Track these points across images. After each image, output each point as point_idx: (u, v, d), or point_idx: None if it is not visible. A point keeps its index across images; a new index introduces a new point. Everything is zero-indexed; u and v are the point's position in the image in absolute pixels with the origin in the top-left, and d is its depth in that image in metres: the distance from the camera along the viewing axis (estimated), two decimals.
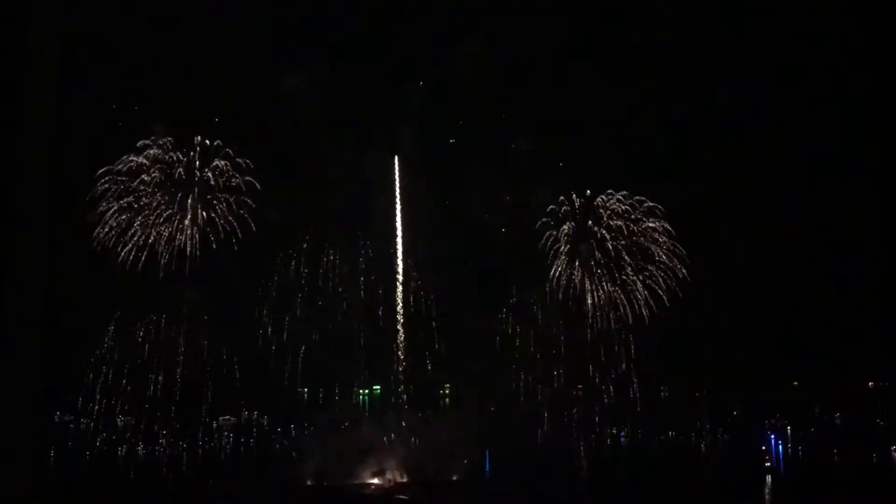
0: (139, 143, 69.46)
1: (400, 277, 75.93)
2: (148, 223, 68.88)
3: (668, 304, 72.50)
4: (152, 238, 68.62)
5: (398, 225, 77.30)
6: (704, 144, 75.55)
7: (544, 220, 75.02)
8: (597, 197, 75.56)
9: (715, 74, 74.40)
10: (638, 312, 73.33)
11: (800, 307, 73.59)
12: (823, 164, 72.52)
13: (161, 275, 68.02)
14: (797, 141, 73.99)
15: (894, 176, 69.63)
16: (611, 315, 73.81)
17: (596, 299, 74.25)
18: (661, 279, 73.27)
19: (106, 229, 67.62)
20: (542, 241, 74.85)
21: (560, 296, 74.36)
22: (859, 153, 71.80)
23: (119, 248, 67.66)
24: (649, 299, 73.28)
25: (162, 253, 68.55)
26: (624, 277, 73.99)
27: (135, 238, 68.27)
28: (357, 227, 75.14)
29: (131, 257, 67.69)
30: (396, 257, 76.44)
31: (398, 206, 77.79)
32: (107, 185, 68.23)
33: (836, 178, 72.21)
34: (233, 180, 71.08)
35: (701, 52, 73.70)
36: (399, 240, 76.87)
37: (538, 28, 74.94)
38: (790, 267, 73.86)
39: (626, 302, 73.72)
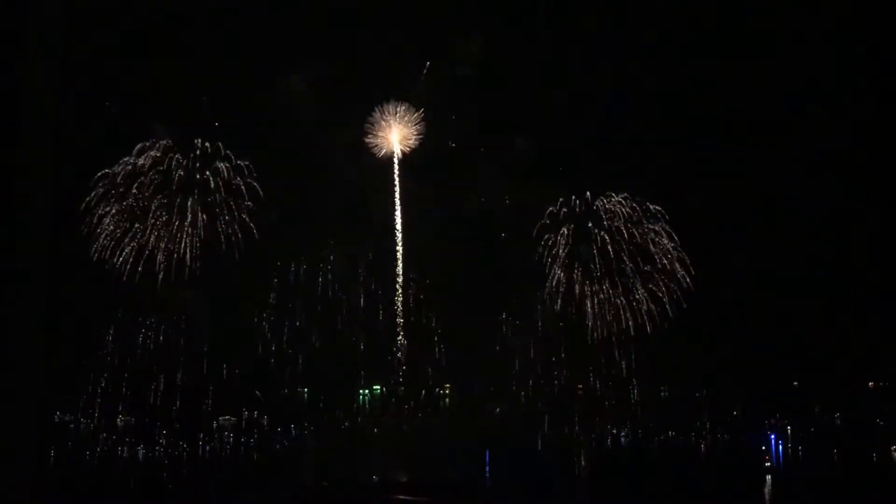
0: (138, 146, 69.47)
1: (400, 278, 76.04)
2: (147, 226, 68.78)
3: (669, 309, 72.32)
4: (152, 241, 68.57)
5: (398, 226, 77.43)
6: (705, 145, 75.48)
7: (543, 222, 74.89)
8: (597, 199, 75.47)
9: (716, 74, 74.38)
10: (640, 321, 73.08)
11: (800, 307, 73.58)
12: (823, 164, 72.47)
13: (160, 277, 68.03)
14: (797, 140, 73.93)
15: (895, 176, 69.64)
16: (611, 321, 73.48)
17: (595, 306, 73.88)
18: (662, 283, 73.00)
19: (104, 233, 67.52)
20: (542, 244, 74.71)
21: (559, 300, 74.23)
22: (860, 152, 71.79)
23: (118, 252, 67.61)
24: (650, 303, 73.00)
25: (162, 257, 68.44)
26: (624, 281, 73.77)
27: (134, 241, 68.19)
28: (357, 229, 75.29)
29: (130, 260, 67.63)
30: (396, 258, 76.54)
31: (398, 208, 77.99)
32: (104, 189, 68.17)
33: (836, 178, 72.21)
34: (233, 183, 71.04)
35: (702, 52, 73.71)
36: (399, 240, 76.99)
37: (538, 28, 75.05)
38: (790, 267, 73.81)
39: (626, 306, 73.45)
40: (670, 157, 73.83)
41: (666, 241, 73.83)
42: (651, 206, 74.46)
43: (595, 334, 73.50)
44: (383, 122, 79.66)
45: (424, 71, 78.03)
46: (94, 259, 66.14)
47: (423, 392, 76.74)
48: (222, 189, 70.53)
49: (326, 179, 72.61)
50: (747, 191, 75.20)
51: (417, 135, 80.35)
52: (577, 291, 74.04)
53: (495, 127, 75.58)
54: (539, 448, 75.19)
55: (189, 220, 69.46)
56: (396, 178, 77.74)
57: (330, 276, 74.22)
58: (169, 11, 66.09)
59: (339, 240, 74.28)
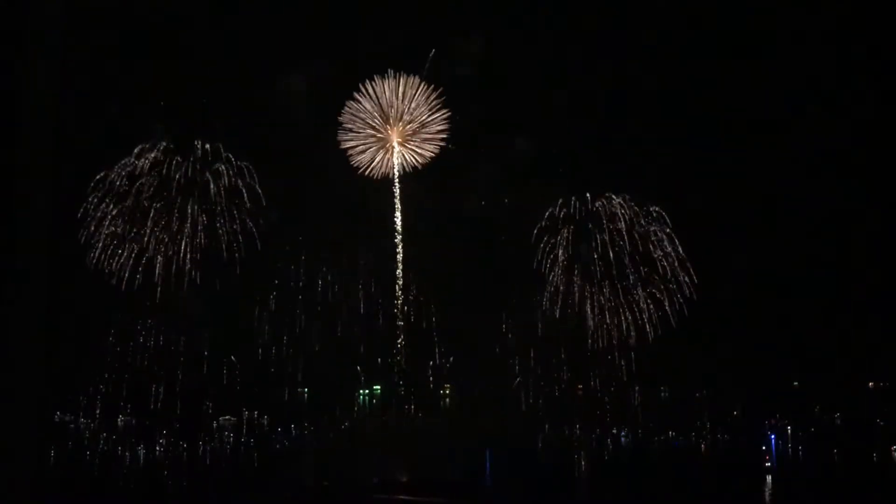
0: (137, 148, 68.76)
1: (400, 280, 75.89)
2: (146, 230, 67.98)
3: (671, 314, 71.60)
4: (152, 245, 67.89)
5: (398, 226, 77.24)
6: (705, 145, 75.38)
7: (542, 224, 74.18)
8: (596, 200, 74.68)
9: (716, 75, 74.37)
10: (640, 324, 72.22)
11: (800, 307, 73.57)
12: (823, 164, 72.47)
13: (159, 281, 67.35)
14: (797, 140, 73.93)
15: (895, 176, 69.63)
16: (611, 326, 72.61)
17: (595, 310, 72.76)
18: (663, 288, 72.11)
19: (103, 236, 66.77)
20: (541, 248, 74.00)
21: (559, 303, 73.55)
22: (860, 152, 71.78)
23: (117, 256, 66.89)
24: (651, 308, 72.04)
25: (161, 260, 67.73)
26: (625, 284, 72.99)
27: (133, 244, 67.58)
28: (357, 229, 75.16)
29: (130, 264, 66.97)
30: (396, 258, 76.40)
31: (398, 208, 77.75)
32: (103, 192, 67.44)
33: (837, 178, 72.22)
34: (232, 184, 70.26)
35: (702, 52, 73.69)
36: (398, 240, 76.83)
37: (538, 28, 75.03)
38: (790, 267, 73.81)
39: (626, 308, 72.63)
40: (670, 157, 73.82)
41: (667, 244, 73.13)
42: (652, 209, 73.76)
43: (595, 335, 73.06)
44: (378, 116, 69.28)
45: (429, 61, 69.18)
46: (93, 263, 65.50)
47: (423, 392, 76.74)
48: (223, 191, 69.96)
49: (326, 180, 72.52)
50: (747, 191, 75.21)
51: (434, 135, 68.81)
52: (577, 295, 73.37)
53: (495, 127, 75.50)
54: (539, 448, 75.16)
55: (189, 223, 68.83)
56: (396, 180, 77.37)
57: (330, 277, 74.16)
58: (169, 11, 66.06)
59: (340, 241, 74.10)
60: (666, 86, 74.41)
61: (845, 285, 72.83)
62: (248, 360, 72.06)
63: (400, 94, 66.79)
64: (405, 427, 74.21)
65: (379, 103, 67.68)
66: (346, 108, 65.56)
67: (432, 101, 68.16)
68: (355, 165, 69.20)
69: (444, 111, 67.97)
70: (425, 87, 65.79)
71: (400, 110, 67.96)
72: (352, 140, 70.45)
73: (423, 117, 69.40)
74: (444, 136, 68.54)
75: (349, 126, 69.09)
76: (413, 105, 67.99)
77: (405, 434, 73.32)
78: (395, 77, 65.56)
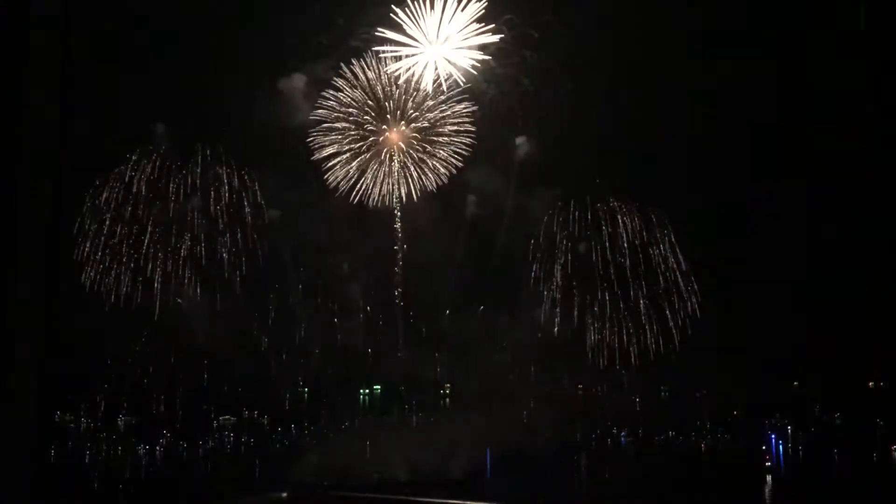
0: (136, 153, 67.26)
1: (400, 282, 75.57)
2: (144, 241, 66.19)
3: (673, 329, 70.35)
4: (150, 252, 66.55)
5: (398, 229, 76.80)
6: (706, 148, 75.14)
7: (540, 230, 72.97)
8: (596, 204, 73.24)
9: (716, 76, 74.22)
10: (641, 341, 70.72)
11: (799, 306, 73.53)
12: (823, 162, 72.37)
13: (158, 292, 66.03)
14: (798, 137, 73.85)
15: (894, 174, 69.42)
16: (612, 340, 70.93)
17: (595, 324, 70.96)
18: (666, 304, 70.58)
19: (98, 247, 65.11)
20: (538, 256, 72.84)
21: (558, 310, 72.44)
22: (860, 150, 71.53)
23: (114, 268, 65.12)
24: (653, 324, 70.50)
25: (159, 272, 66.31)
26: (625, 292, 71.67)
27: (131, 250, 66.38)
28: (358, 231, 74.80)
29: (128, 276, 65.44)
30: (397, 261, 76.04)
31: (398, 211, 77.18)
32: (99, 199, 65.74)
33: (836, 176, 72.10)
34: (234, 191, 68.98)
35: (705, 52, 73.50)
36: (399, 244, 76.41)
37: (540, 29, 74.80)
38: (789, 266, 73.76)
39: (629, 322, 71.20)
40: (671, 157, 73.56)
41: (669, 256, 71.38)
42: (653, 214, 72.27)
43: (595, 350, 71.47)
44: (372, 112, 52.70)
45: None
46: (90, 278, 63.67)
47: (423, 391, 76.71)
48: (223, 199, 68.04)
49: (327, 180, 72.05)
50: (746, 189, 75.01)
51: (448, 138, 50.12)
52: (577, 302, 71.63)
53: (496, 129, 75.01)
54: (539, 448, 75.15)
55: (188, 232, 66.91)
56: (396, 194, 75.46)
57: (330, 280, 73.85)
58: (168, 12, 65.87)
59: (340, 242, 73.70)
60: (668, 86, 74.18)
61: (845, 285, 72.79)
62: (249, 363, 71.79)
63: (401, 82, 50.19)
64: (404, 427, 74.19)
65: (373, 94, 51.75)
66: (326, 100, 47.81)
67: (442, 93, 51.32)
68: (333, 186, 53.97)
69: (463, 105, 50.86)
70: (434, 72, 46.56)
71: (401, 103, 52.51)
72: (331, 146, 56.73)
73: (434, 113, 54.29)
74: (468, 141, 51.28)
75: (328, 125, 54.53)
76: (420, 97, 51.58)
77: (405, 434, 73.26)
78: (394, 60, 47.74)
